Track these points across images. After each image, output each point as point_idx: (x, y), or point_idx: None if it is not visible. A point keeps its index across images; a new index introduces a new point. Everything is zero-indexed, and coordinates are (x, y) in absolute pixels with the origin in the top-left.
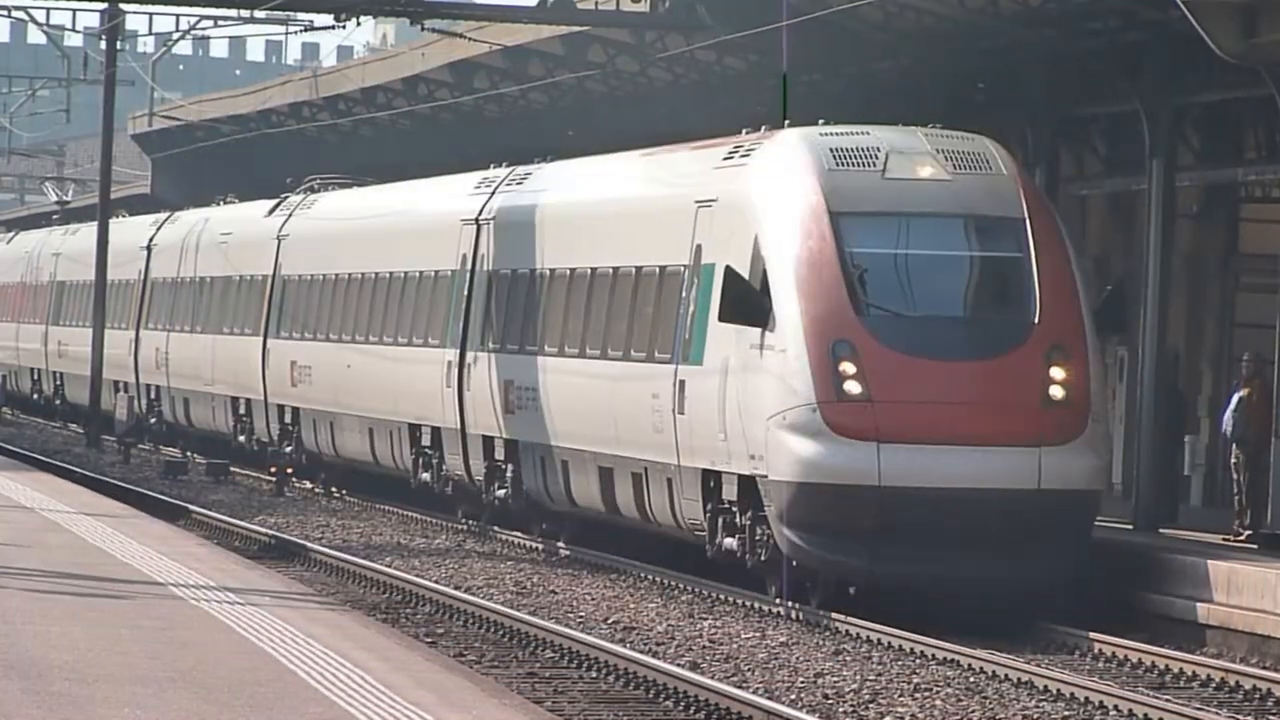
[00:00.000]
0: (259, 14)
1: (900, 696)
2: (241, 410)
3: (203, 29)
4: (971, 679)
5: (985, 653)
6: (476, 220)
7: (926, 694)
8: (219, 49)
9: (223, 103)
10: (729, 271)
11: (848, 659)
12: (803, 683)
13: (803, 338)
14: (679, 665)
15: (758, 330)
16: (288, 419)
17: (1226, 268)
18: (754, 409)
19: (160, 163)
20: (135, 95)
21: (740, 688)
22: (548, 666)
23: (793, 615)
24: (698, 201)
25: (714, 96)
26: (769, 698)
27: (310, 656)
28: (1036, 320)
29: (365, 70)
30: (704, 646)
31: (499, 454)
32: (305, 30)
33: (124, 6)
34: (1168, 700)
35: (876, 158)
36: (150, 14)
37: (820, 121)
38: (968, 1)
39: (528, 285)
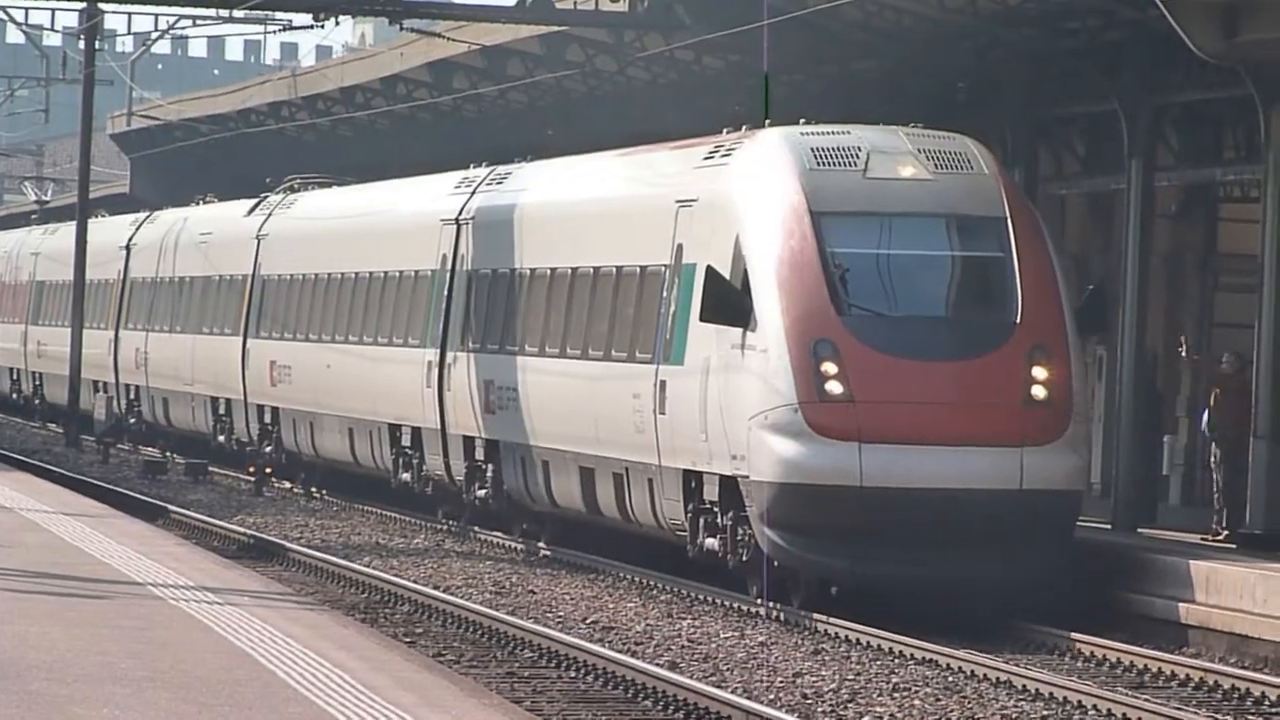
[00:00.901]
0: (238, 13)
1: (879, 696)
2: (221, 410)
3: (181, 28)
4: (950, 678)
5: (964, 652)
6: (456, 220)
7: (905, 693)
8: (198, 49)
9: (202, 102)
10: (710, 271)
11: (826, 659)
12: (781, 682)
13: (784, 338)
14: (658, 665)
15: (739, 330)
16: (267, 419)
17: (1205, 267)
18: (735, 409)
19: (139, 162)
20: (114, 95)
21: (719, 687)
22: (527, 666)
23: (772, 615)
24: (678, 201)
25: (693, 96)
26: (747, 697)
27: (289, 656)
28: (1018, 320)
29: (344, 70)
30: (683, 646)
31: (479, 454)
32: (284, 30)
33: (102, 6)
34: (1147, 700)
35: (858, 157)
36: (129, 13)
37: (801, 121)
38: (947, 1)
39: (508, 285)
